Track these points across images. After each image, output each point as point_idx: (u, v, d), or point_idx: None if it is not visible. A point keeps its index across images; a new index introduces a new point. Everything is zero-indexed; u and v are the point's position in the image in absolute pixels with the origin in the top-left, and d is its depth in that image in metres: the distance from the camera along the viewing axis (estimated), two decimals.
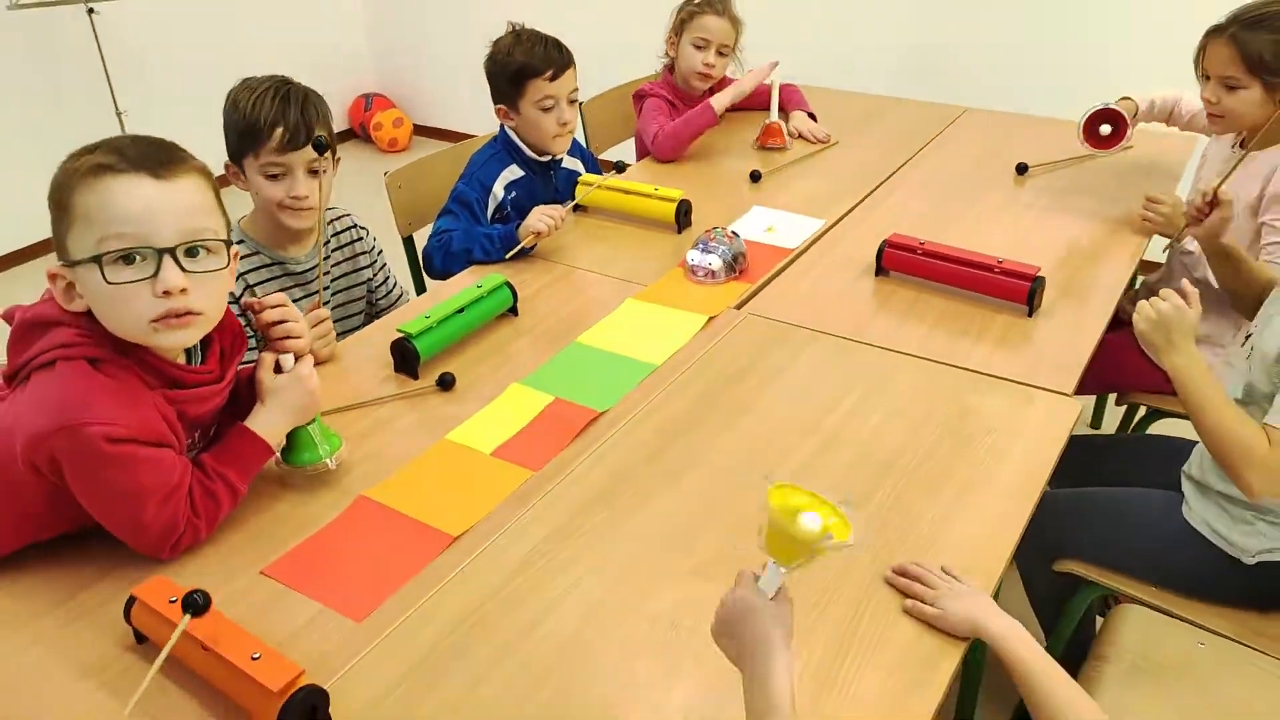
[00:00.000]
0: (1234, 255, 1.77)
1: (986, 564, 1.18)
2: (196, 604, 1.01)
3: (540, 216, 1.88)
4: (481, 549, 1.24)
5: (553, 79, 2.01)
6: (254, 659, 0.99)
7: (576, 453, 1.41)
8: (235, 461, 1.25)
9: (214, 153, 1.44)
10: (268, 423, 1.29)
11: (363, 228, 1.91)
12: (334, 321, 1.81)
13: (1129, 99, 2.26)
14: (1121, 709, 1.35)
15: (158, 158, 1.12)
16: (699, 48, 2.53)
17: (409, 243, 2.32)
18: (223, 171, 1.53)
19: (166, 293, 1.11)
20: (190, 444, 1.27)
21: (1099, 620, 1.61)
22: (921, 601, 1.12)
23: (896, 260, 1.83)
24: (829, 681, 1.04)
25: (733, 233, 1.88)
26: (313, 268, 1.76)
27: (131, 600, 1.09)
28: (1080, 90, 3.05)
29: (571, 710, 1.02)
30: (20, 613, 1.14)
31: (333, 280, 1.84)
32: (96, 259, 1.08)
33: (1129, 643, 1.46)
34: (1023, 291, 1.69)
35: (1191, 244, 1.94)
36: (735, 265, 1.85)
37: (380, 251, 1.94)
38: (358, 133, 5.14)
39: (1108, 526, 1.65)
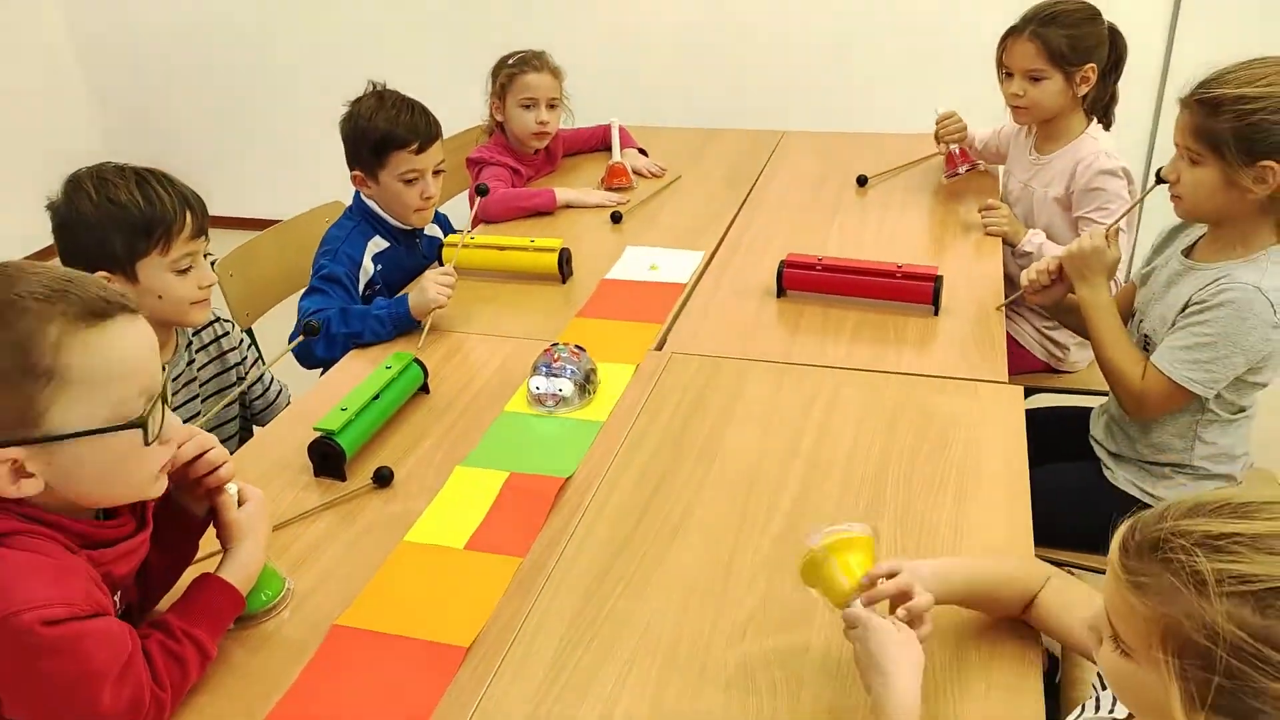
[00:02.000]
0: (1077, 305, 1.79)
1: (1020, 552, 1.18)
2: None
3: (435, 288, 1.72)
4: (504, 654, 1.09)
5: (419, 151, 1.87)
6: None
7: (559, 528, 1.29)
8: (205, 618, 1.04)
9: None
10: (246, 567, 1.09)
11: (228, 321, 1.68)
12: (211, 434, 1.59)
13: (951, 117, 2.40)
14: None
15: (110, 293, 0.94)
16: (527, 107, 2.45)
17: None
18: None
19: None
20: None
21: None
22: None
23: (797, 279, 1.84)
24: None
25: (577, 348, 1.59)
26: (177, 376, 1.53)
27: None
28: (880, 105, 3.28)
29: None
30: None
31: (201, 386, 1.60)
32: (119, 426, 0.92)
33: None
34: (927, 292, 1.75)
35: (1029, 243, 2.08)
36: (589, 385, 1.56)
37: (250, 345, 1.72)
38: None
39: (1038, 507, 1.72)
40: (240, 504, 1.13)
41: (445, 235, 2.11)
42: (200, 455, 1.10)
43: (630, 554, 1.23)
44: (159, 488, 1.03)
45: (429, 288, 1.72)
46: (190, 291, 1.44)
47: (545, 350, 1.58)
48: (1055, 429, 1.87)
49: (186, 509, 1.12)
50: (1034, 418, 1.90)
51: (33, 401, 0.89)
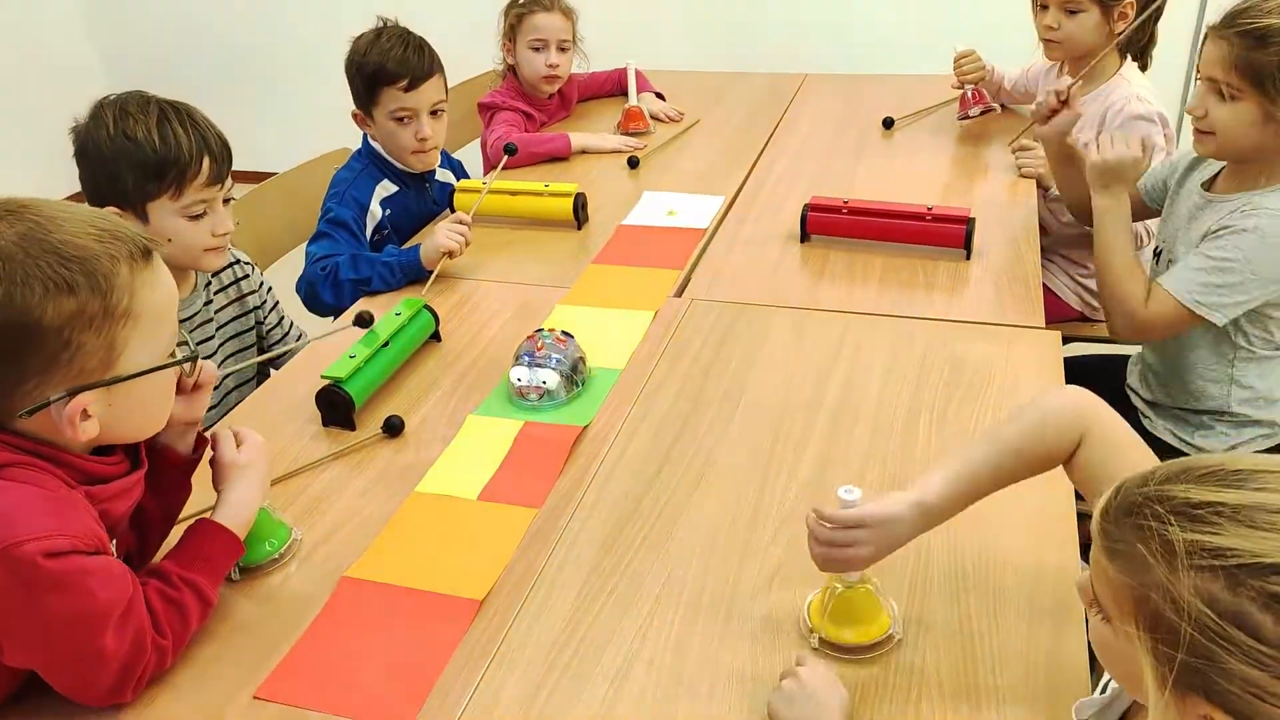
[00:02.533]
0: (1077, 157, 1.80)
1: (1059, 508, 1.12)
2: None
3: (448, 233, 1.66)
4: (520, 606, 1.05)
5: (409, 89, 1.79)
6: None
7: (576, 479, 1.24)
8: (205, 564, 1.00)
9: None
10: (240, 511, 1.05)
11: (248, 263, 1.62)
12: (227, 378, 1.54)
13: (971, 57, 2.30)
14: None
15: (140, 228, 0.98)
16: (537, 49, 2.37)
17: None
18: None
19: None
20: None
21: None
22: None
23: (821, 223, 1.77)
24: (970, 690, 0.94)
25: (564, 334, 1.43)
26: (193, 315, 1.48)
27: None
28: (902, 47, 3.17)
29: None
30: None
31: (218, 329, 1.55)
32: (186, 359, 0.97)
33: None
34: (959, 235, 1.67)
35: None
36: (576, 376, 1.40)
37: (270, 289, 1.67)
38: None
39: None
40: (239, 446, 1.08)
41: (458, 181, 2.04)
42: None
43: (650, 504, 1.18)
44: (165, 422, 1.00)
45: (440, 232, 1.66)
46: (203, 238, 1.38)
47: (529, 337, 1.42)
48: (1089, 379, 1.78)
49: (171, 447, 1.07)
50: (1067, 367, 1.83)
51: (114, 344, 0.88)
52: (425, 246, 1.68)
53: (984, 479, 0.95)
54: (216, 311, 1.55)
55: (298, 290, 1.79)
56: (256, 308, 1.63)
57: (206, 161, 1.34)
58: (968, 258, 1.69)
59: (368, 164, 1.87)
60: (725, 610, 1.03)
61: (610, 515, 1.17)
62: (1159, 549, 0.61)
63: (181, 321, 1.45)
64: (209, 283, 1.54)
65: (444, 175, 2.04)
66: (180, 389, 1.00)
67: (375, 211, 1.85)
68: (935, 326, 1.50)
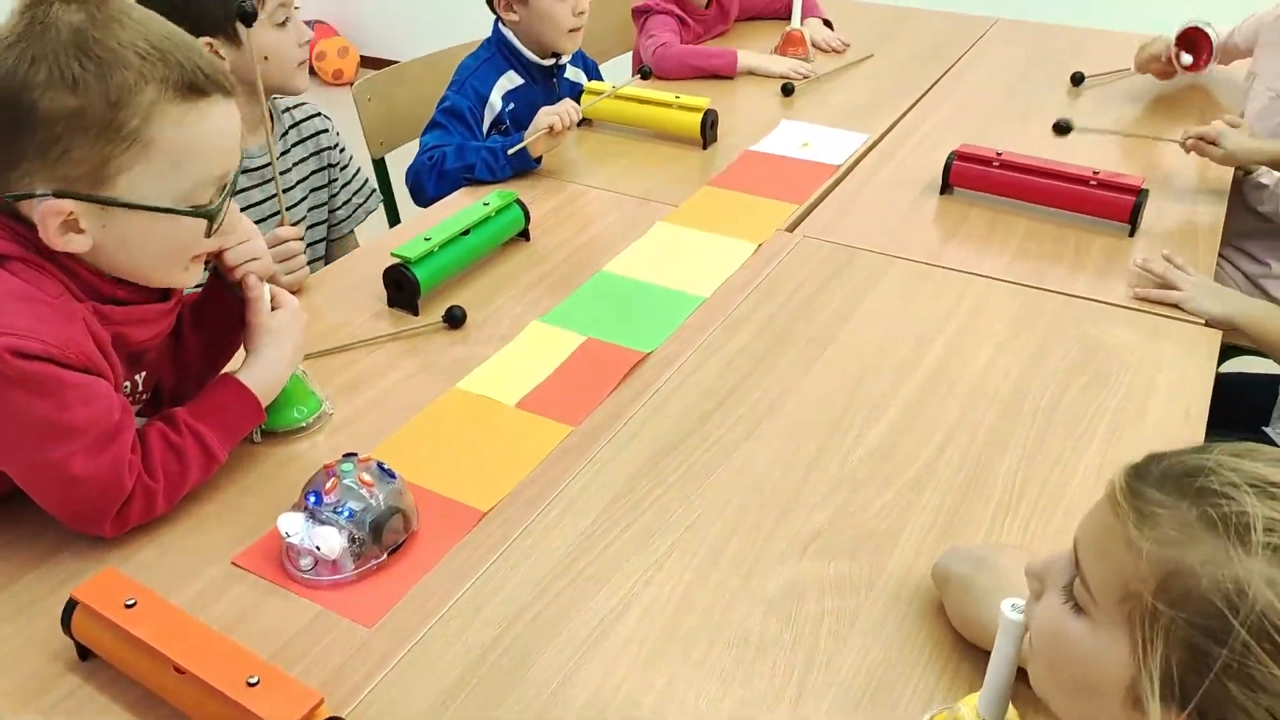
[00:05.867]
0: None
1: None
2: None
3: (549, 113, 1.57)
4: (525, 525, 0.96)
5: None
6: (250, 684, 0.71)
7: (624, 403, 1.14)
8: (217, 419, 0.96)
9: None
10: (266, 375, 1.01)
11: (326, 116, 1.59)
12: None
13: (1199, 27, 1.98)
14: None
15: (211, 68, 0.88)
16: None
17: (380, 166, 2.00)
18: None
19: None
20: (129, 392, 0.98)
21: None
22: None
23: (967, 175, 1.58)
24: None
25: (382, 470, 0.93)
26: (267, 165, 1.45)
27: (72, 604, 0.80)
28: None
29: None
30: None
31: (300, 180, 1.53)
32: (188, 211, 0.88)
33: None
34: (1126, 207, 1.45)
35: (1269, 173, 1.71)
36: (377, 540, 0.90)
37: (344, 150, 1.63)
38: None
39: None
40: (274, 310, 1.04)
41: (588, 82, 1.94)
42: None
43: (697, 442, 1.07)
44: (191, 277, 0.95)
45: (541, 112, 1.58)
46: (293, 50, 1.37)
47: (325, 467, 0.93)
48: (1234, 398, 1.56)
49: (229, 293, 1.05)
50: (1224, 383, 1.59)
51: (108, 160, 0.83)
52: (528, 130, 1.59)
53: None
54: (296, 164, 1.52)
55: (406, 180, 1.75)
56: (332, 165, 1.59)
57: None
58: (1132, 234, 1.46)
59: (494, 54, 1.79)
60: (746, 571, 0.91)
61: (649, 446, 1.06)
62: (1231, 520, 0.46)
63: (259, 168, 1.43)
64: (286, 133, 1.50)
65: (575, 74, 1.94)
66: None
67: (495, 104, 1.77)
68: (1068, 302, 1.31)
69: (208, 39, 1.30)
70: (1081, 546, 0.54)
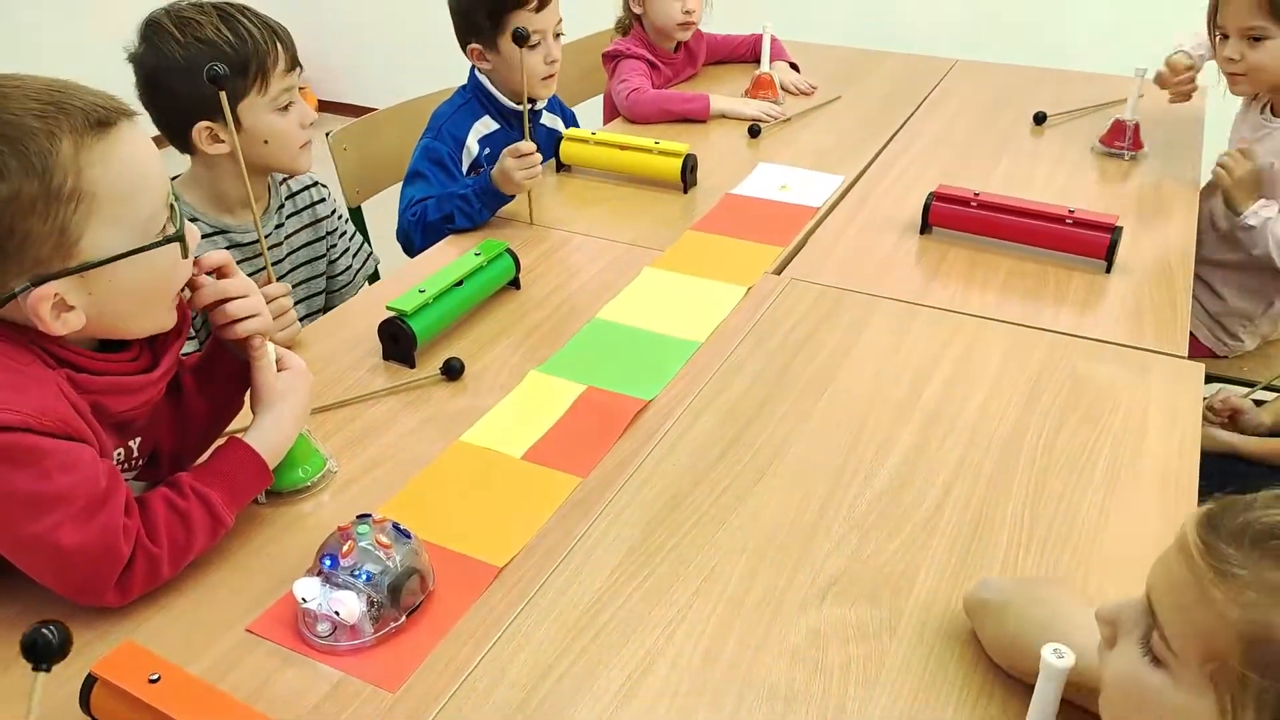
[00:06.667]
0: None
1: None
2: (39, 645, 0.59)
3: (513, 163, 1.57)
4: (543, 581, 0.96)
5: (539, 8, 1.72)
6: None
7: (629, 452, 1.14)
8: (224, 483, 0.94)
9: None
10: (273, 437, 0.99)
11: (324, 186, 1.58)
12: (299, 304, 1.50)
13: (1183, 53, 2.05)
14: None
15: (103, 96, 0.84)
16: None
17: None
18: None
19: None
20: (121, 459, 0.95)
21: None
22: None
23: (946, 215, 1.61)
24: None
25: (398, 531, 0.93)
26: (255, 241, 1.44)
27: (90, 680, 0.78)
28: (1069, 44, 2.93)
29: None
30: None
31: (291, 253, 1.52)
32: (161, 241, 0.86)
33: None
34: (1101, 245, 1.49)
35: (1255, 215, 1.76)
36: (395, 602, 0.89)
37: (345, 218, 1.63)
38: None
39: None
40: (279, 371, 1.02)
41: (566, 129, 1.95)
42: (225, 301, 0.99)
43: (706, 490, 1.08)
44: (173, 318, 0.94)
45: (507, 162, 1.57)
46: (295, 132, 1.36)
47: (340, 530, 0.92)
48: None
49: (231, 354, 1.03)
50: None
51: (66, 228, 0.80)
52: (495, 168, 1.60)
53: None
54: (288, 236, 1.51)
55: (397, 237, 1.76)
56: (330, 233, 1.58)
57: (279, 46, 1.31)
58: (1108, 270, 1.51)
59: (470, 98, 1.80)
60: (768, 619, 0.91)
61: (660, 496, 1.07)
62: None
63: (249, 244, 1.41)
64: (282, 205, 1.50)
65: (551, 120, 1.96)
66: (192, 285, 0.94)
67: (472, 148, 1.78)
68: (1058, 340, 1.34)
69: (207, 123, 1.30)
70: (1156, 597, 0.55)
